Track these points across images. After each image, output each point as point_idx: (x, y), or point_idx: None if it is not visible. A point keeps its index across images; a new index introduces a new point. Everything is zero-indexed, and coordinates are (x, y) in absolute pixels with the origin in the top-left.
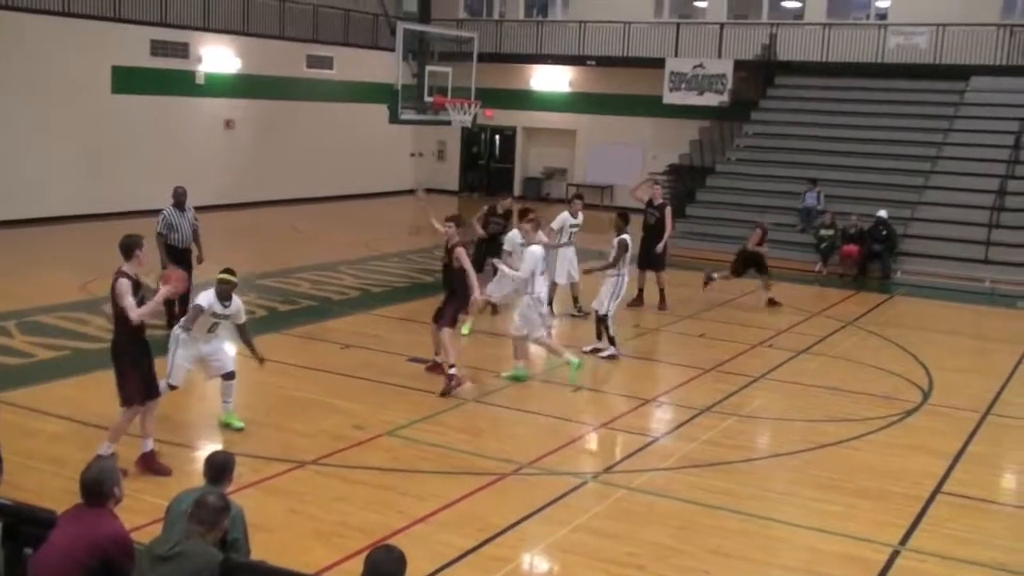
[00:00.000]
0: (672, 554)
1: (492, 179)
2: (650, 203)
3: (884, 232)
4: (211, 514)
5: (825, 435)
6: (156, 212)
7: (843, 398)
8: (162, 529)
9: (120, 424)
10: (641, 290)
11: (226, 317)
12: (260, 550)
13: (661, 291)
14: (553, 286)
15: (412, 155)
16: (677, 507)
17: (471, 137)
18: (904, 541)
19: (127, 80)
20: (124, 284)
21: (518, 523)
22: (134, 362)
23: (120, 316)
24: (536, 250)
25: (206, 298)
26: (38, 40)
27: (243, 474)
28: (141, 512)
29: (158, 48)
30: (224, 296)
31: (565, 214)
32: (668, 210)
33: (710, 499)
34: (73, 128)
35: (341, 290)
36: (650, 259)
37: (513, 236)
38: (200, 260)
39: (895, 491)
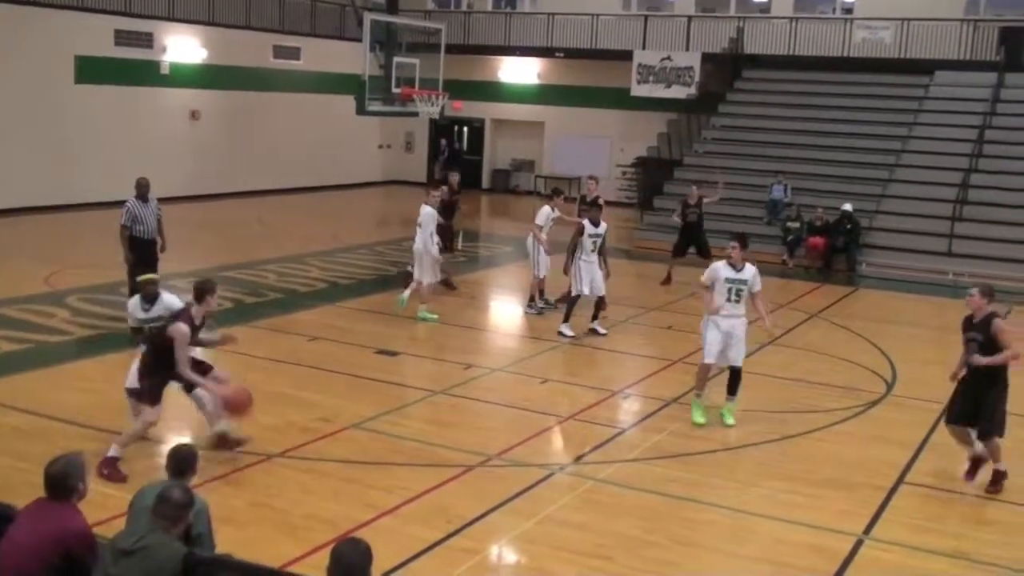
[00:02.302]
0: (640, 545)
1: (461, 172)
2: (583, 199)
3: (848, 225)
4: (175, 508)
5: (790, 426)
6: (120, 204)
7: (808, 389)
8: (125, 523)
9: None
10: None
11: (156, 321)
12: (226, 543)
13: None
14: (536, 280)
15: (380, 147)
16: (645, 498)
17: (439, 129)
18: (868, 530)
19: (91, 70)
20: (183, 331)
21: (485, 515)
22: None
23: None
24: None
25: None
26: (0, 29)
27: (209, 467)
28: (103, 507)
29: (122, 38)
30: (147, 298)
31: (547, 208)
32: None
33: (677, 490)
34: (36, 118)
35: (308, 282)
36: None
37: (546, 211)
38: (163, 249)
39: (859, 481)
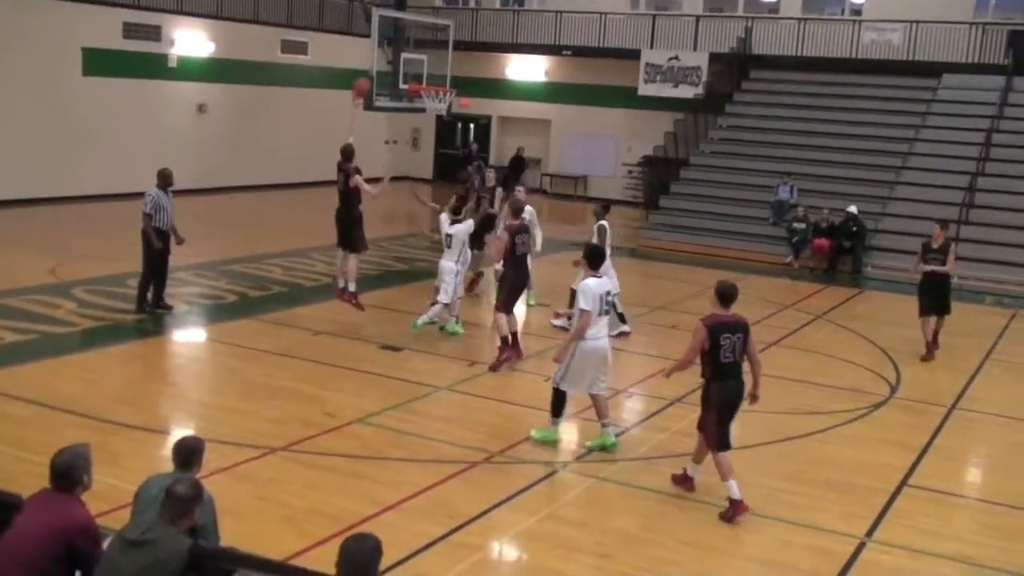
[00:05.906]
0: (640, 544)
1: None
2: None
3: (854, 227)
4: (183, 502)
5: (793, 427)
6: (125, 196)
7: (812, 391)
8: (131, 514)
9: None
10: None
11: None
12: (229, 537)
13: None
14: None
15: (387, 143)
16: (646, 497)
17: (445, 126)
18: (870, 533)
19: (99, 63)
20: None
21: (488, 511)
22: None
23: None
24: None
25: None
26: (8, 21)
27: (212, 460)
28: (106, 498)
29: (130, 31)
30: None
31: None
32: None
33: (679, 490)
34: (43, 110)
35: (312, 276)
36: None
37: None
38: (180, 242)
39: (862, 483)
